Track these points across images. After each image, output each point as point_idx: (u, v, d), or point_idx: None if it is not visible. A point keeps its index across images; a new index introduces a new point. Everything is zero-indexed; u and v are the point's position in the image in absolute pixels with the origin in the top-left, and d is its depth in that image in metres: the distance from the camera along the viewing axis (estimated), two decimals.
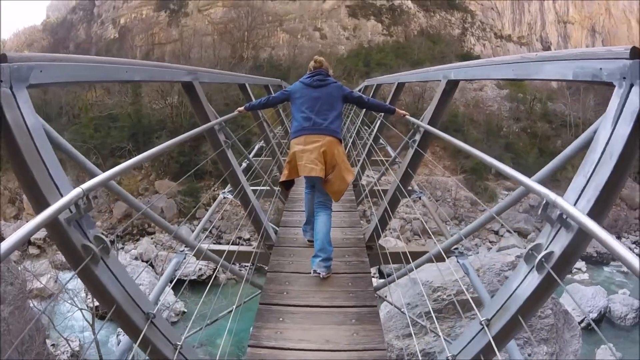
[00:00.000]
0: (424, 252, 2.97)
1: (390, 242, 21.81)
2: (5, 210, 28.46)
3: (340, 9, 46.01)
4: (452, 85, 2.43)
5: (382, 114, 4.47)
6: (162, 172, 28.70)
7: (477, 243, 25.86)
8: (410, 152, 2.83)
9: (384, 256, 2.98)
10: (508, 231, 25.91)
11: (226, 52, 40.46)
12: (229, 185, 4.89)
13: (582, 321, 15.81)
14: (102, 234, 1.47)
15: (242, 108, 3.68)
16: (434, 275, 11.19)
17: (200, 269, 20.08)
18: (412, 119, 2.81)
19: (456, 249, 2.89)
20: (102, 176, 1.42)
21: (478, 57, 48.53)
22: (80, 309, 14.20)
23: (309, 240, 3.51)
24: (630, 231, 28.79)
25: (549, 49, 55.31)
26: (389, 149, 5.77)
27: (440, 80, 2.50)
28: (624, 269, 22.29)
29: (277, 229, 3.74)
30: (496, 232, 26.76)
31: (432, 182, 29.26)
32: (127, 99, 30.63)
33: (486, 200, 28.64)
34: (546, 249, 1.23)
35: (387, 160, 5.27)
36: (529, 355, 10.12)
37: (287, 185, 3.26)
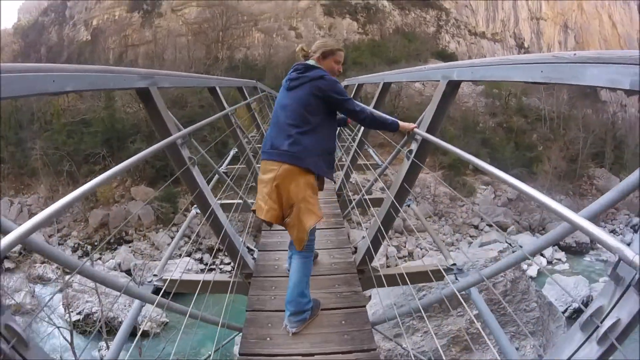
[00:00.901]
0: (422, 272, 2.68)
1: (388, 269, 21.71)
2: None
3: (315, 7, 45.75)
4: (453, 86, 2.12)
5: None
6: (138, 178, 27.95)
7: (457, 238, 25.98)
8: (406, 164, 2.43)
9: (378, 279, 2.66)
10: (487, 226, 26.17)
11: (201, 53, 39.78)
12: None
13: (565, 311, 16.03)
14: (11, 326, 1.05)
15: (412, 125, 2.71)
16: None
17: (181, 273, 19.54)
18: (412, 126, 2.43)
19: (454, 264, 2.62)
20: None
21: (453, 54, 49.25)
22: (58, 327, 13.56)
23: (288, 270, 2.91)
24: (607, 220, 29.37)
25: (522, 45, 56.47)
26: (375, 157, 5.26)
27: (438, 81, 2.19)
28: (603, 257, 22.88)
29: (255, 251, 3.38)
30: (476, 227, 26.91)
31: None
32: (100, 103, 29.74)
33: (465, 195, 28.82)
34: (609, 315, 0.94)
35: (372, 165, 4.98)
36: (517, 349, 10.11)
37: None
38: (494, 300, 9.97)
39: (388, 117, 2.60)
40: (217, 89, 3.63)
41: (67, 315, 14.86)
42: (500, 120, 36.46)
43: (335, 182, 4.84)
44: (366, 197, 3.29)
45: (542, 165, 31.66)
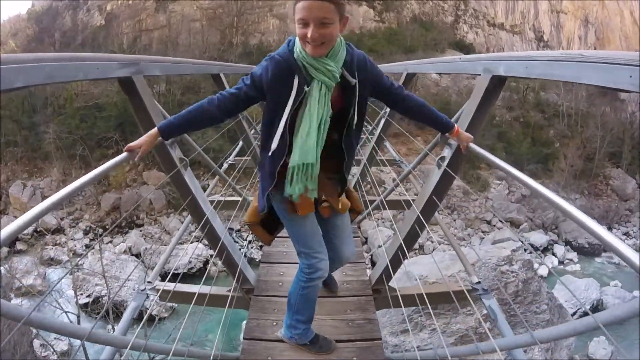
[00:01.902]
0: (444, 293, 2.37)
1: (383, 232, 21.38)
2: None
3: None
4: (497, 83, 1.76)
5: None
6: (150, 163, 27.95)
7: (469, 233, 25.59)
8: (436, 173, 2.06)
9: (394, 299, 2.34)
10: (500, 221, 25.71)
11: (215, 38, 39.48)
12: (228, 159, 4.14)
13: (574, 313, 15.70)
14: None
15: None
16: (429, 269, 10.79)
17: (190, 262, 19.59)
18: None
19: (478, 282, 2.32)
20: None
21: (471, 45, 48.31)
22: (65, 312, 13.61)
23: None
24: (621, 222, 28.67)
25: (541, 38, 55.30)
26: (393, 153, 4.70)
27: (479, 75, 1.81)
28: (615, 259, 22.40)
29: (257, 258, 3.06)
30: (488, 222, 26.46)
31: (424, 170, 28.87)
32: (113, 87, 29.70)
33: (479, 189, 28.32)
34: None
35: (389, 161, 4.59)
36: (525, 352, 9.85)
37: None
38: (505, 300, 9.73)
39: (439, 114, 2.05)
40: (222, 76, 3.28)
41: (76, 298, 14.93)
42: (517, 114, 35.64)
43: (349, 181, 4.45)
44: (383, 199, 2.97)
45: (558, 163, 31.00)
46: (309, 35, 1.66)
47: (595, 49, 57.04)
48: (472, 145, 1.82)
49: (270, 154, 1.83)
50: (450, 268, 9.76)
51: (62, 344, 14.31)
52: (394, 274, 2.27)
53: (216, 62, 3.45)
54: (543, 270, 20.32)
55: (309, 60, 1.73)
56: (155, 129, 1.66)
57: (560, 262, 22.60)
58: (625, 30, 57.81)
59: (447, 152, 2.02)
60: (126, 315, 1.92)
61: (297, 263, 2.72)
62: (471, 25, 51.71)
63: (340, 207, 2.00)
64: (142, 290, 2.19)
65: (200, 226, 2.05)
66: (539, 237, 24.44)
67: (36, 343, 13.61)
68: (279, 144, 1.79)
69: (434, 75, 35.03)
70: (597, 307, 17.27)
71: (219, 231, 2.23)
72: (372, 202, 3.50)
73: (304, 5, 1.64)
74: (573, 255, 23.64)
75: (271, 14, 43.56)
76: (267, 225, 2.14)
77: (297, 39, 1.81)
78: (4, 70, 0.91)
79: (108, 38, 42.00)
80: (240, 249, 2.46)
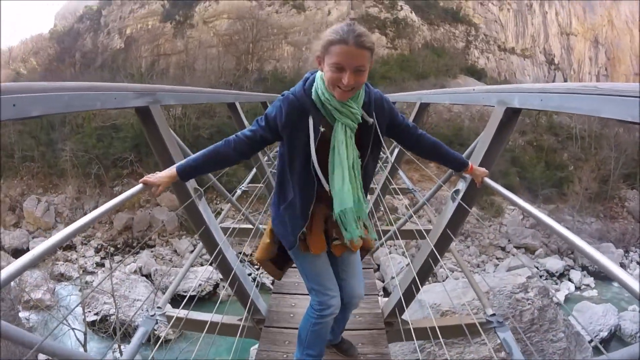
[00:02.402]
0: (457, 326, 2.32)
1: (395, 259, 21.13)
2: (4, 217, 28.09)
3: (344, 21, 45.61)
4: (512, 114, 1.76)
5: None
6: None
7: (483, 260, 25.15)
8: (451, 206, 2.03)
9: (407, 333, 2.30)
10: (515, 248, 25.28)
11: (231, 64, 40.21)
12: (241, 184, 4.11)
13: (591, 341, 15.21)
14: None
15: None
16: (442, 297, 10.56)
17: (200, 285, 19.53)
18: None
19: (493, 315, 2.26)
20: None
21: (482, 70, 48.55)
22: (73, 329, 13.61)
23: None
24: (637, 245, 27.93)
25: (552, 61, 55.44)
26: (406, 180, 4.69)
27: (493, 107, 1.82)
28: None
29: (270, 287, 2.97)
30: (503, 249, 26.01)
31: (436, 196, 28.50)
32: (130, 109, 30.24)
33: (492, 215, 27.96)
34: None
35: (402, 190, 4.56)
36: None
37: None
38: (521, 328, 9.48)
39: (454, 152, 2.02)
40: (237, 104, 3.28)
41: (84, 316, 14.93)
42: (530, 138, 35.34)
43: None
44: (397, 230, 2.92)
45: (572, 186, 30.55)
46: (344, 82, 1.61)
47: (606, 69, 57.07)
48: (487, 180, 1.80)
49: (298, 196, 1.83)
50: (463, 297, 9.56)
51: None
52: (406, 307, 2.21)
53: (232, 91, 3.48)
54: (560, 296, 19.85)
55: (333, 103, 1.69)
56: (174, 170, 1.65)
57: (577, 288, 22.03)
58: (635, 50, 57.61)
59: (461, 186, 2.00)
60: (135, 341, 1.90)
61: (309, 295, 2.68)
62: (482, 50, 51.93)
63: (354, 245, 1.92)
64: (152, 316, 2.17)
65: (213, 257, 2.03)
66: (554, 263, 23.93)
67: (42, 357, 13.55)
68: (307, 185, 1.80)
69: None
70: (614, 333, 16.72)
71: (232, 261, 2.21)
72: (385, 232, 3.44)
73: (343, 51, 1.60)
74: (590, 280, 23.01)
75: (286, 41, 44.37)
76: (277, 260, 2.11)
77: (317, 79, 1.76)
78: (20, 99, 0.93)
79: (127, 61, 43.10)
80: (250, 275, 2.43)
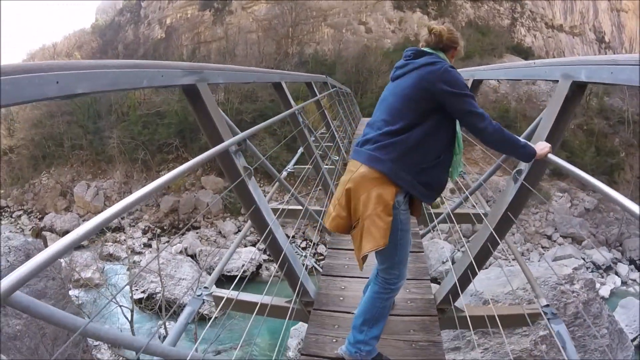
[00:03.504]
0: (517, 315, 2.20)
1: (438, 244, 20.75)
2: (56, 202, 29.67)
3: (385, 1, 44.70)
4: (577, 89, 1.64)
5: None
6: (208, 168, 28.97)
7: (528, 248, 24.38)
8: (513, 187, 1.90)
9: (461, 321, 2.20)
10: (561, 237, 24.28)
11: (271, 49, 40.32)
12: (287, 167, 4.07)
13: (634, 339, 14.47)
14: None
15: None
16: (485, 285, 10.29)
17: (243, 265, 19.97)
18: (525, 142, 1.78)
19: (547, 305, 2.13)
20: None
21: (529, 49, 46.37)
22: (120, 306, 14.25)
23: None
24: None
25: (602, 39, 52.11)
26: (467, 178, 4.40)
27: (557, 81, 1.68)
28: None
29: (319, 269, 2.91)
30: (549, 237, 25.08)
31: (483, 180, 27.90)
32: (174, 96, 31.13)
33: (540, 202, 26.94)
34: None
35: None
36: None
37: None
38: (564, 322, 9.10)
39: (517, 136, 1.86)
40: (283, 84, 3.23)
41: (131, 294, 15.59)
42: (580, 121, 33.54)
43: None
44: (450, 212, 2.80)
45: (623, 174, 28.94)
46: None
47: None
48: (551, 156, 1.68)
49: (445, 157, 1.96)
50: (507, 285, 9.29)
51: None
52: (461, 293, 2.11)
53: (277, 71, 3.40)
54: (605, 291, 18.96)
55: None
56: None
57: (623, 283, 20.94)
58: None
59: (524, 165, 1.88)
60: (181, 320, 1.90)
61: (359, 277, 2.62)
62: (529, 28, 49.46)
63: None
64: (199, 296, 2.18)
65: (263, 237, 2.01)
66: (600, 257, 22.85)
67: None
68: (449, 147, 1.99)
69: (492, 82, 33.84)
70: None
71: (282, 242, 2.18)
72: (437, 215, 3.32)
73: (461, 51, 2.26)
74: (637, 275, 21.88)
75: (325, 24, 43.94)
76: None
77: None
78: (64, 77, 0.90)
79: (168, 50, 44.09)
80: (300, 257, 2.41)
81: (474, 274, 2.07)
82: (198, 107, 1.59)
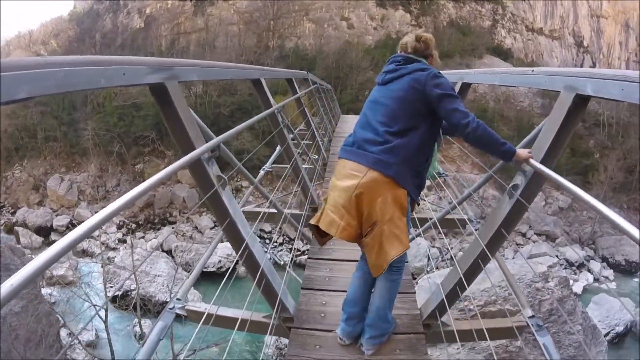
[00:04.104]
0: (504, 328, 2.16)
1: (416, 241, 20.84)
2: (29, 197, 28.80)
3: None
4: (581, 102, 1.54)
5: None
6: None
7: (503, 245, 24.74)
8: (507, 202, 1.79)
9: (448, 335, 2.16)
10: (535, 235, 24.78)
11: (252, 42, 39.86)
12: (265, 166, 3.90)
13: (607, 334, 14.90)
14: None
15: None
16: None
17: (219, 261, 19.71)
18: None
19: (532, 317, 2.07)
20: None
21: (509, 50, 47.12)
22: (94, 305, 13.85)
23: (339, 337, 2.30)
24: None
25: (581, 44, 53.39)
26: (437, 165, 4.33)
27: (559, 92, 1.58)
28: None
29: (299, 280, 2.75)
30: (524, 234, 25.55)
31: (459, 179, 28.24)
32: None
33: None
34: None
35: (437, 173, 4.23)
36: None
37: (323, 231, 2.10)
38: (538, 318, 9.28)
39: (499, 136, 1.89)
40: (262, 81, 3.03)
41: (105, 292, 15.20)
42: None
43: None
44: (436, 220, 2.69)
45: (597, 175, 29.67)
46: None
47: (636, 55, 54.81)
48: (534, 162, 1.62)
49: (431, 158, 2.09)
50: (482, 282, 9.36)
51: (88, 335, 14.53)
52: (449, 309, 2.01)
53: (257, 67, 3.23)
54: (577, 288, 19.47)
55: None
56: None
57: (596, 280, 21.53)
58: None
59: (520, 180, 1.78)
60: (152, 337, 1.74)
61: (341, 291, 2.51)
62: (509, 30, 50.36)
63: None
64: (171, 309, 2.02)
65: (239, 253, 1.85)
66: (573, 254, 23.46)
67: (63, 332, 13.85)
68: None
69: None
70: (630, 329, 16.31)
71: (259, 258, 2.02)
72: (420, 220, 3.21)
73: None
74: (609, 272, 22.63)
75: (307, 18, 43.70)
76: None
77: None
78: (3, 78, 0.74)
79: (147, 40, 43.18)
80: (266, 252, 2.27)
81: (463, 290, 1.98)
82: (166, 108, 1.41)
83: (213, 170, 1.65)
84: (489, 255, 1.81)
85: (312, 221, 2.08)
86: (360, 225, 1.93)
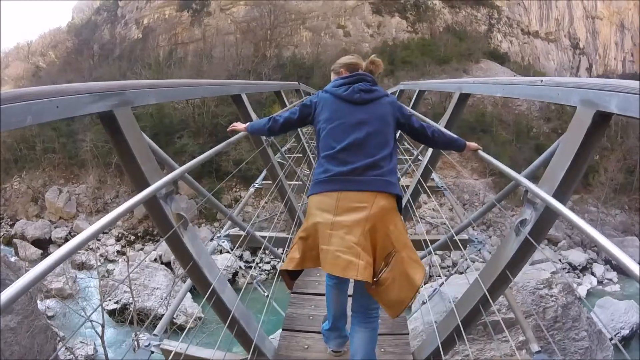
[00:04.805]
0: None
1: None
2: (28, 208, 28.63)
3: (363, 5, 44.91)
4: (597, 119, 1.29)
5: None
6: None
7: (489, 234, 24.71)
8: (514, 240, 1.55)
9: None
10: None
11: (249, 51, 39.89)
12: (255, 182, 3.69)
13: (612, 339, 14.66)
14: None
15: (242, 125, 2.33)
16: (454, 291, 10.17)
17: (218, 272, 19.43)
18: (526, 182, 1.51)
19: (539, 352, 1.87)
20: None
21: (505, 54, 47.27)
22: (90, 320, 13.59)
23: (334, 351, 2.24)
24: None
25: (577, 45, 53.70)
26: (437, 180, 3.95)
27: (575, 107, 1.38)
28: None
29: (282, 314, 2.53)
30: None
31: (459, 185, 28.08)
32: None
33: (516, 204, 27.21)
34: None
35: (431, 187, 4.00)
36: None
37: (295, 274, 1.94)
38: (544, 325, 9.14)
39: (454, 136, 2.24)
40: (243, 96, 2.79)
41: (101, 306, 14.96)
42: (555, 125, 34.15)
43: None
44: (432, 250, 2.48)
45: (598, 176, 29.51)
46: None
47: (632, 55, 55.04)
48: (543, 194, 1.39)
49: None
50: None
51: (87, 349, 14.28)
52: (444, 356, 1.79)
53: (237, 81, 3.03)
54: (582, 291, 19.25)
55: None
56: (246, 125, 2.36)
57: (599, 282, 21.32)
58: None
59: (529, 214, 1.52)
60: None
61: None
62: (505, 34, 50.65)
63: None
64: (147, 346, 1.84)
65: (206, 297, 1.65)
66: (577, 256, 23.21)
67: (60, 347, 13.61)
68: None
69: None
70: (636, 331, 16.06)
71: (229, 303, 1.81)
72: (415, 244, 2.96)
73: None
74: (613, 275, 22.31)
75: (304, 27, 43.82)
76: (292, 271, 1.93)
77: None
78: None
79: (145, 51, 43.24)
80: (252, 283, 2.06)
81: (460, 337, 1.74)
82: (116, 139, 1.22)
83: (172, 208, 1.44)
84: (490, 301, 1.58)
85: (289, 266, 1.86)
86: (374, 260, 1.75)
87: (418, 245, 2.61)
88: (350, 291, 2.12)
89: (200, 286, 1.70)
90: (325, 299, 2.21)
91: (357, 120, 1.92)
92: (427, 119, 3.00)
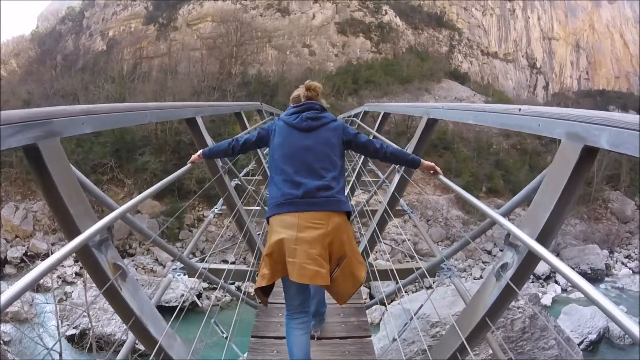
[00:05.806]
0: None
1: (381, 265, 20.60)
2: None
3: (329, 25, 45.63)
4: (584, 154, 1.21)
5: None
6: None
7: (470, 264, 24.92)
8: (495, 286, 1.42)
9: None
10: (500, 251, 24.98)
11: (214, 68, 39.56)
12: (215, 207, 3.53)
13: (581, 342, 14.99)
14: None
15: (196, 155, 2.42)
16: (430, 306, 10.11)
17: (182, 295, 18.78)
18: (508, 225, 1.35)
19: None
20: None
21: (466, 74, 48.86)
22: (47, 348, 12.75)
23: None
24: (622, 245, 28.15)
25: (534, 65, 56.28)
26: (378, 172, 4.84)
27: (560, 140, 1.32)
28: (619, 284, 21.75)
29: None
30: (489, 252, 25.77)
31: (422, 201, 28.40)
32: None
33: (478, 219, 27.77)
34: None
35: (374, 181, 4.50)
36: None
37: (268, 289, 2.09)
38: (512, 338, 9.20)
39: (407, 153, 2.44)
40: (199, 120, 2.66)
41: (58, 332, 14.12)
42: (514, 141, 35.52)
43: None
44: (401, 287, 2.39)
45: None
46: None
47: (587, 73, 58.18)
48: (525, 238, 1.26)
49: None
50: (454, 305, 9.14)
51: None
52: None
53: (192, 104, 2.86)
54: (547, 300, 19.63)
55: None
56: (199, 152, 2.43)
57: (564, 290, 21.77)
58: (616, 53, 59.03)
59: (510, 258, 1.41)
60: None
61: None
62: (465, 55, 52.74)
63: None
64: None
65: (152, 355, 1.45)
66: (540, 265, 23.67)
67: None
68: None
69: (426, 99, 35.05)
70: (603, 335, 16.46)
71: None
72: (380, 272, 2.86)
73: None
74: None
75: (270, 45, 43.99)
76: (265, 287, 2.12)
77: None
78: None
79: (108, 64, 42.13)
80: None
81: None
82: (41, 177, 1.03)
83: (108, 257, 1.25)
84: (469, 349, 1.45)
85: (263, 282, 2.03)
86: (330, 264, 2.02)
87: (385, 275, 2.57)
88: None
89: (145, 343, 1.50)
90: (287, 344, 2.18)
91: (304, 146, 2.14)
92: (384, 138, 3.27)
